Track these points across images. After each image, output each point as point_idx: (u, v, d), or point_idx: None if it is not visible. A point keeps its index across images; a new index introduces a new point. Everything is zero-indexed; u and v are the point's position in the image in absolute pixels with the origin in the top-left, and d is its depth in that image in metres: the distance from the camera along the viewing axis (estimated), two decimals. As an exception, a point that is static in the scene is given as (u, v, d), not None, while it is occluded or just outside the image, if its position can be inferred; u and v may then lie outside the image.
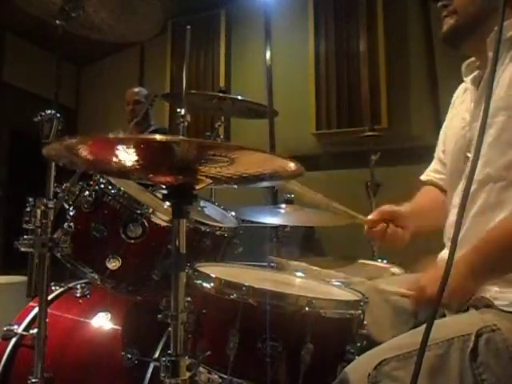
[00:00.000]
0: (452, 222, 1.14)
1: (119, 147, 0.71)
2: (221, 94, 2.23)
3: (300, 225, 1.73)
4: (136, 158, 0.73)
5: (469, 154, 1.09)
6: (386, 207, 1.31)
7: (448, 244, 1.14)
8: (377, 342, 1.04)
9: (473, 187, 1.01)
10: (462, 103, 1.22)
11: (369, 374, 0.87)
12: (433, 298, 0.93)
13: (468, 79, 1.19)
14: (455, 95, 1.30)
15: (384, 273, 1.76)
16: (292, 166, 0.76)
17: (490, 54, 1.05)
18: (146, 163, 0.78)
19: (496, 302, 0.94)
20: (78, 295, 1.54)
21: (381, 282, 1.19)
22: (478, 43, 1.08)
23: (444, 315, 1.06)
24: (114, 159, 0.75)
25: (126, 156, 0.72)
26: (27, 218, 1.28)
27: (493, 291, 0.96)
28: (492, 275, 0.97)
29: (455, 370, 0.85)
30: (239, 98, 2.21)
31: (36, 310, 1.37)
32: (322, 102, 3.87)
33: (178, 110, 1.30)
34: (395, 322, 1.14)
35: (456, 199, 1.14)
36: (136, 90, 3.35)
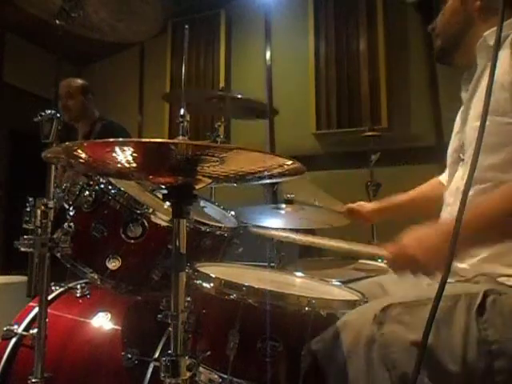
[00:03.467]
0: (444, 219, 1.19)
1: (117, 150, 0.71)
2: (220, 93, 2.23)
3: (300, 228, 1.74)
4: (134, 159, 0.73)
5: (461, 156, 1.15)
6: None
7: None
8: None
9: (460, 188, 1.06)
10: None
11: (375, 316, 0.90)
12: (413, 257, 0.96)
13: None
14: None
15: (384, 272, 1.77)
16: (290, 163, 0.76)
17: (479, 60, 1.13)
18: (144, 165, 0.78)
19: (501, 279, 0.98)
20: (78, 295, 1.54)
21: (353, 244, 1.21)
22: (466, 55, 1.18)
23: None
24: (113, 161, 0.76)
25: (125, 158, 0.73)
26: (27, 218, 1.28)
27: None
28: (473, 245, 1.00)
29: (460, 322, 0.87)
30: (239, 96, 2.21)
31: (36, 310, 1.37)
32: (322, 102, 3.86)
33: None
34: None
35: (448, 198, 1.19)
36: (68, 81, 2.91)
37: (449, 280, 1.06)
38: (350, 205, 1.63)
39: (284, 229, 1.66)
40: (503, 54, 1.02)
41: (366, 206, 1.62)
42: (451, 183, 1.19)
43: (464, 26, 1.17)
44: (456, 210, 0.70)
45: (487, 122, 1.00)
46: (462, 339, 0.86)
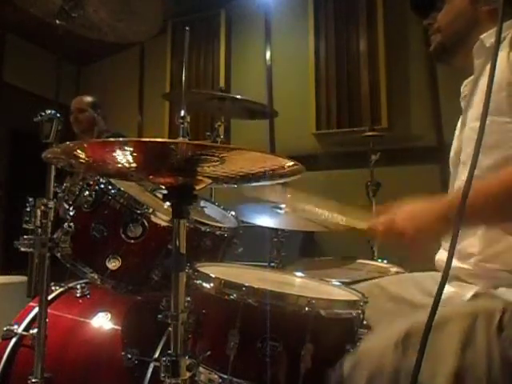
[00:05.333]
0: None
1: (117, 150, 0.71)
2: (220, 93, 2.23)
3: (300, 229, 1.73)
4: (135, 159, 0.73)
5: (461, 159, 1.15)
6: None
7: (443, 244, 1.16)
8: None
9: (461, 188, 1.05)
10: None
11: (397, 343, 0.86)
12: (403, 231, 0.95)
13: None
14: None
15: (384, 272, 1.77)
16: (291, 164, 0.76)
17: (477, 62, 1.14)
18: (145, 165, 0.78)
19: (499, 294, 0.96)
20: (78, 295, 1.54)
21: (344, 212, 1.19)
22: (465, 56, 1.16)
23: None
24: (113, 161, 0.76)
25: (125, 158, 0.73)
26: (27, 218, 1.28)
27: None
28: (467, 225, 0.95)
29: (483, 342, 0.85)
30: (238, 97, 2.21)
31: (36, 310, 1.37)
32: (322, 102, 3.86)
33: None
34: (396, 316, 1.14)
35: None
36: (80, 98, 3.17)
37: (449, 284, 1.07)
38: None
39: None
40: (501, 55, 1.02)
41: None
42: (453, 186, 1.19)
43: (469, 27, 1.15)
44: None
45: (486, 122, 1.00)
46: (486, 359, 0.83)
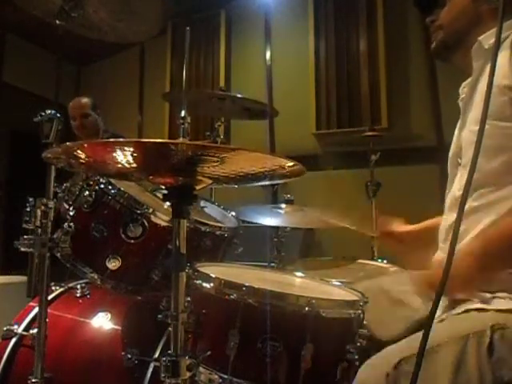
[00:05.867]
0: (443, 225, 1.18)
1: (117, 150, 0.71)
2: (220, 93, 2.23)
3: (300, 226, 1.73)
4: (135, 160, 0.73)
5: (460, 160, 1.15)
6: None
7: (441, 246, 1.17)
8: (378, 339, 1.04)
9: (461, 192, 1.05)
10: None
11: (387, 374, 0.86)
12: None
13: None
14: None
15: (384, 272, 1.77)
16: (291, 165, 0.76)
17: (475, 64, 1.13)
18: (145, 165, 0.78)
19: (491, 306, 0.94)
20: (78, 295, 1.54)
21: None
22: (465, 55, 1.16)
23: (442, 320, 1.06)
24: (113, 162, 0.76)
25: (125, 158, 0.73)
26: (27, 218, 1.28)
27: (485, 297, 0.97)
28: (495, 265, 0.98)
29: (474, 366, 0.85)
30: (239, 96, 2.21)
31: (36, 309, 1.37)
32: (322, 102, 3.86)
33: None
34: (396, 318, 1.14)
35: (449, 203, 1.18)
36: (81, 102, 2.97)
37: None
38: (384, 228, 1.50)
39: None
40: (501, 56, 1.01)
41: (399, 227, 1.49)
42: (452, 188, 1.19)
43: (471, 25, 1.15)
44: (455, 215, 0.69)
45: (486, 125, 1.00)
46: (479, 382, 0.83)
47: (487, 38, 1.09)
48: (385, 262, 1.99)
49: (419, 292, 1.05)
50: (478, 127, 0.98)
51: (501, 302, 0.95)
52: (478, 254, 0.97)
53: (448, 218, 1.17)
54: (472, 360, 0.85)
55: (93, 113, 2.97)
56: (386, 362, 0.89)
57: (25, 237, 1.27)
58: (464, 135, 1.13)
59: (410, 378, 0.79)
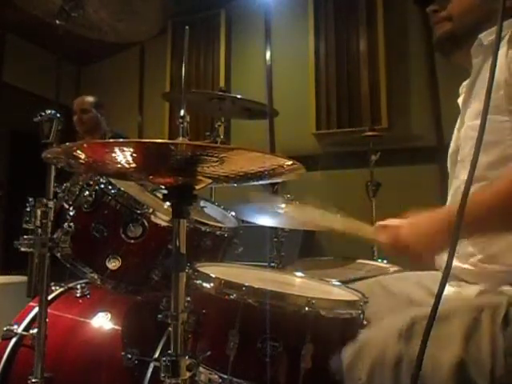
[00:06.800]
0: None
1: (117, 150, 0.71)
2: (220, 93, 2.23)
3: (300, 228, 1.73)
4: (134, 160, 0.73)
5: (459, 157, 1.14)
6: None
7: None
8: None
9: (459, 187, 1.05)
10: None
11: (400, 332, 0.86)
12: (406, 243, 0.95)
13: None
14: None
15: (384, 272, 1.77)
16: (290, 164, 0.76)
17: (475, 61, 1.12)
18: (144, 165, 0.78)
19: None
20: (78, 295, 1.54)
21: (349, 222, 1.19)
22: (468, 53, 1.13)
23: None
24: (113, 162, 0.76)
25: (125, 158, 0.73)
26: (27, 218, 1.28)
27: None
28: (469, 234, 0.97)
29: (487, 336, 0.84)
30: (239, 96, 2.21)
31: (36, 309, 1.37)
32: (322, 102, 3.86)
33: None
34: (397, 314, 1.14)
35: (450, 199, 1.18)
36: (82, 98, 3.16)
37: (450, 284, 1.06)
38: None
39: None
40: (499, 53, 1.01)
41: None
42: (452, 185, 1.19)
43: (482, 20, 1.09)
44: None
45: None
46: (490, 353, 0.82)
47: (487, 36, 1.08)
48: (385, 261, 2.00)
49: (383, 248, 1.05)
50: (475, 121, 0.99)
51: None
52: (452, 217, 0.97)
53: None
54: (485, 329, 0.84)
55: (94, 110, 3.08)
56: (397, 320, 0.89)
57: (25, 237, 1.28)
58: (463, 131, 1.13)
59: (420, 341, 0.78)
